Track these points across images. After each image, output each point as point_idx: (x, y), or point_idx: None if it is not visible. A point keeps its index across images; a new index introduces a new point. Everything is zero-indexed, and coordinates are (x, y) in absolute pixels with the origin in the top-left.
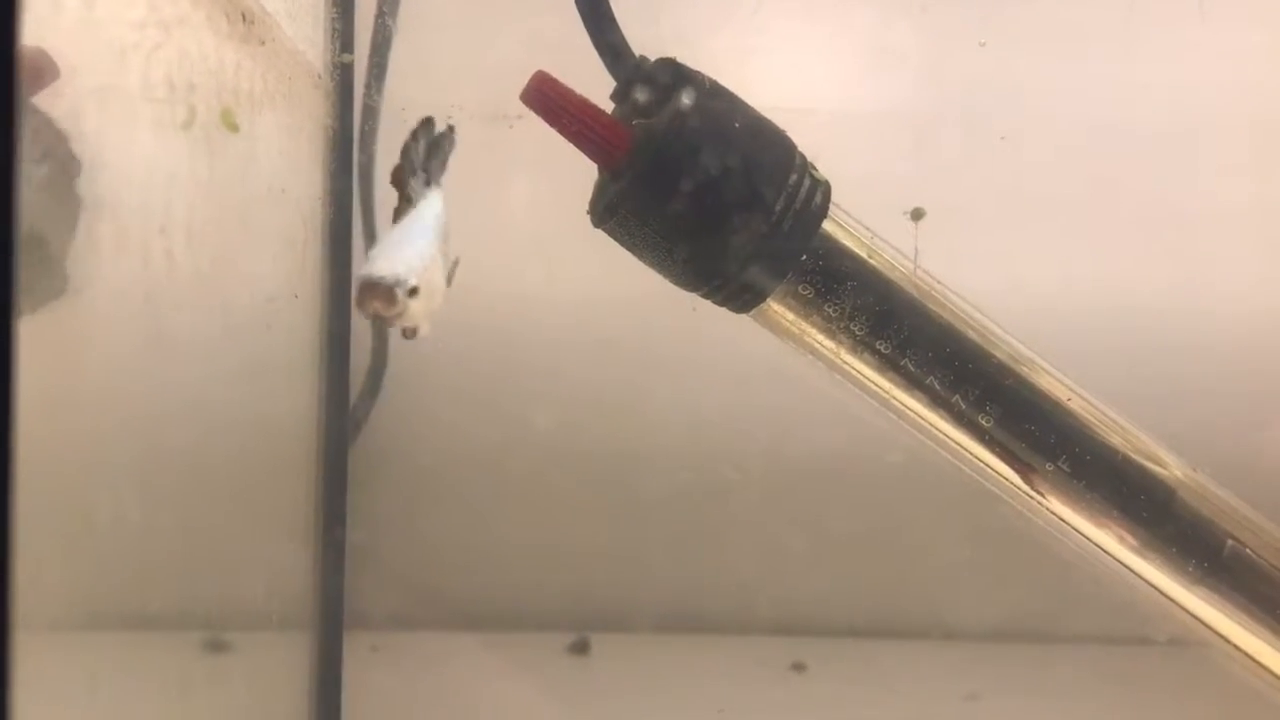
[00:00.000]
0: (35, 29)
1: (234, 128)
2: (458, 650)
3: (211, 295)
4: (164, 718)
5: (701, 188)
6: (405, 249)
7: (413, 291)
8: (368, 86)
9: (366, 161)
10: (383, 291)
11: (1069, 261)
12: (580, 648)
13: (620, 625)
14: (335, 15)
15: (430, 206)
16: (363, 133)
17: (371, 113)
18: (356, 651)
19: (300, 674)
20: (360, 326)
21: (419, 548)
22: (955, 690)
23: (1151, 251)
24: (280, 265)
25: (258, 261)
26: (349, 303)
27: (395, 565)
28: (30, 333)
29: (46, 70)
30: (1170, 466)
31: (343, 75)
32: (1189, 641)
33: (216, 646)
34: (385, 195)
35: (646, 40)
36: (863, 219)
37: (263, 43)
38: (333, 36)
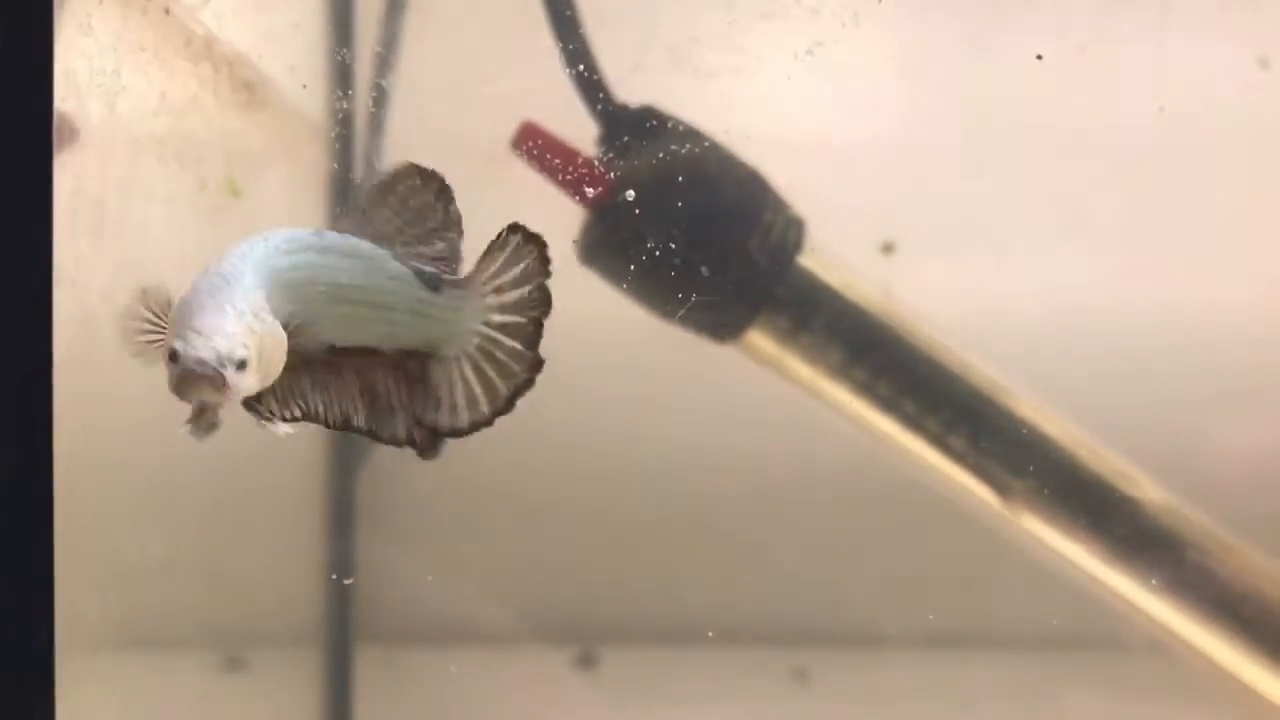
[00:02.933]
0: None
1: (237, 193)
2: (466, 664)
3: None
4: None
5: (679, 229)
6: (224, 304)
7: (242, 365)
8: (371, 127)
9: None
10: (204, 379)
11: (1043, 279)
12: (587, 661)
13: (628, 637)
14: (336, 61)
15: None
16: (367, 176)
17: (373, 157)
18: (365, 667)
19: (311, 690)
20: None
21: (425, 566)
22: (950, 697)
23: (1126, 267)
24: None
25: None
26: None
27: (402, 582)
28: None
29: (66, 132)
30: (1135, 482)
31: (344, 119)
32: (1181, 653)
33: (232, 664)
34: None
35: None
36: (839, 250)
37: (264, 107)
38: (334, 83)
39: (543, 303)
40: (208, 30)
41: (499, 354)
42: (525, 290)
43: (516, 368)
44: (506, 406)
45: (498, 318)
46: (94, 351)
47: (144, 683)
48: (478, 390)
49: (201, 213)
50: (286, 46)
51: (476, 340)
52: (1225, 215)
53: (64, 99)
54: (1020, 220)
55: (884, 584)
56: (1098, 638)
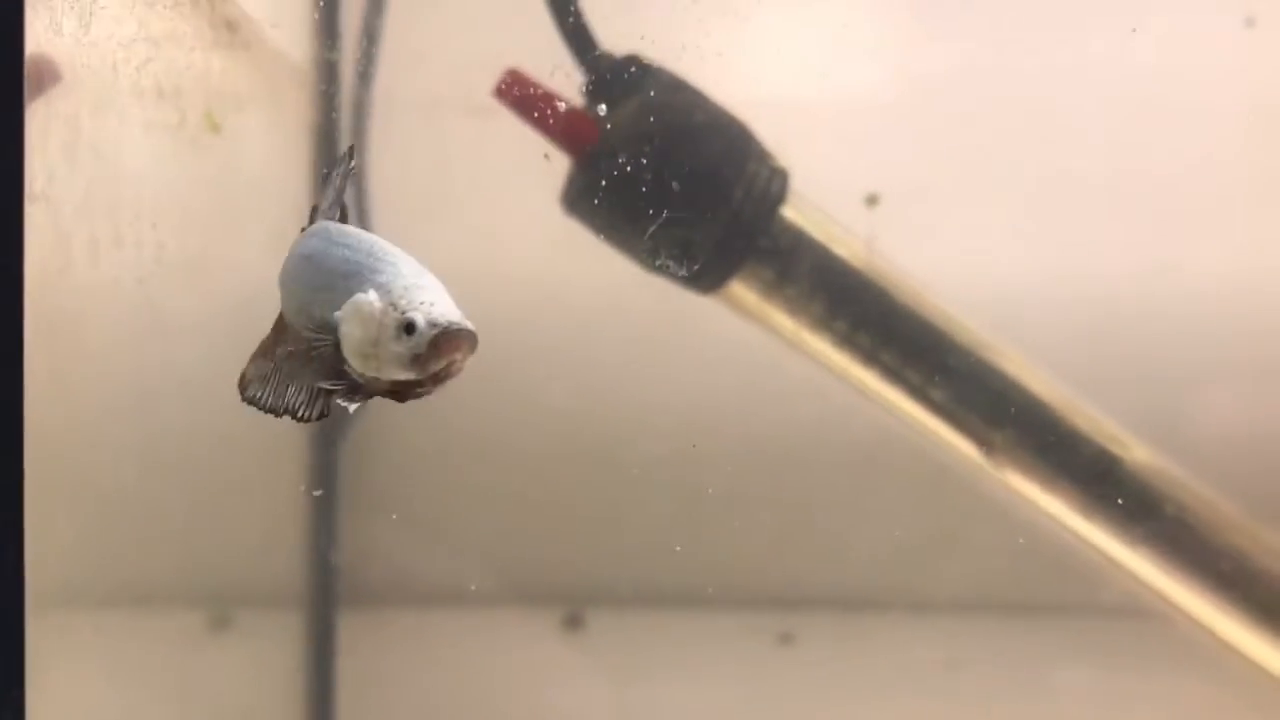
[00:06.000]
0: (37, 48)
1: (215, 128)
2: (453, 625)
3: (201, 281)
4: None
5: (664, 177)
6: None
7: None
8: (359, 79)
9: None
10: (468, 339)
11: (1027, 241)
12: (574, 623)
13: (614, 600)
14: (321, 12)
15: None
16: (355, 127)
17: (361, 109)
18: (350, 627)
19: (295, 650)
20: None
21: (412, 524)
22: (935, 659)
23: (1110, 231)
24: (268, 254)
25: (245, 250)
26: None
27: (388, 542)
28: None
29: (47, 75)
30: (1115, 437)
31: (329, 71)
32: (1161, 613)
33: (218, 624)
34: (376, 188)
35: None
36: (823, 205)
37: (247, 47)
38: (318, 33)
39: None
40: None
41: None
42: None
43: None
44: None
45: None
46: (68, 273)
47: (128, 641)
48: None
49: (180, 143)
50: None
51: None
52: (1210, 172)
53: (43, 39)
54: (1005, 173)
55: (870, 548)
56: (1080, 602)
